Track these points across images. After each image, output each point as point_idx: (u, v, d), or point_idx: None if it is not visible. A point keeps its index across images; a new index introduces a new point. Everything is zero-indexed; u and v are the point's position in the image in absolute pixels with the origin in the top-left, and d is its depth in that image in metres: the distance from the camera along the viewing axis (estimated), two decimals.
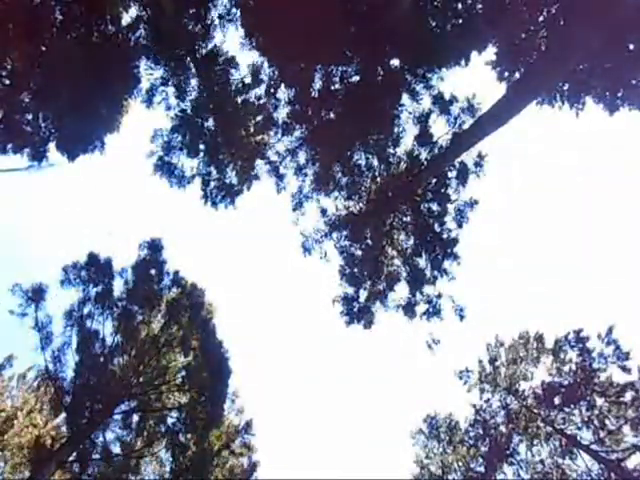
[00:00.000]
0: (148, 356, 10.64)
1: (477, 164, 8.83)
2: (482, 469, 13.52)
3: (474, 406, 14.58)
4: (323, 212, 9.57)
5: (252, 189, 10.38)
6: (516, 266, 35.37)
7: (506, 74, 8.03)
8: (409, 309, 9.39)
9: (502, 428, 13.78)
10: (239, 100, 9.18)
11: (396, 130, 8.71)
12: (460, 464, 14.08)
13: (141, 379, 10.53)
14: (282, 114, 9.06)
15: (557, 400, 12.86)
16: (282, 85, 8.79)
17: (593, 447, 12.01)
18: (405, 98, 8.57)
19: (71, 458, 9.58)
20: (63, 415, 11.22)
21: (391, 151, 8.94)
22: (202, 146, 9.54)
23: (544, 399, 13.08)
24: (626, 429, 11.84)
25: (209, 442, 11.52)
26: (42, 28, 7.94)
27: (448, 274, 9.20)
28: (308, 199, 9.63)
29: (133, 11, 8.87)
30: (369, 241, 9.54)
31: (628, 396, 12.02)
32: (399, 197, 8.97)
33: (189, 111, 9.13)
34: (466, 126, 8.46)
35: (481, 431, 14.02)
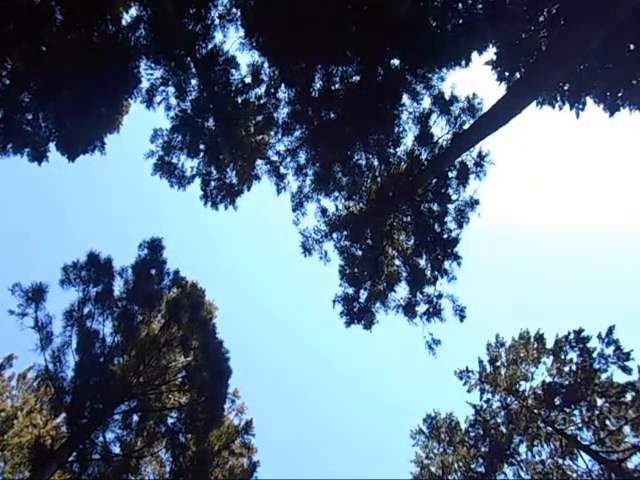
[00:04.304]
0: (148, 356, 10.63)
1: (477, 164, 8.83)
2: (482, 469, 13.50)
3: (474, 406, 14.57)
4: (323, 212, 9.56)
5: (252, 189, 10.40)
6: (517, 266, 35.36)
7: (506, 74, 8.00)
8: (409, 309, 9.38)
9: (502, 428, 13.77)
10: (239, 100, 9.18)
11: (396, 130, 8.70)
12: (460, 464, 14.06)
13: (141, 379, 10.51)
14: (282, 114, 9.05)
15: (557, 400, 12.84)
16: (282, 85, 8.79)
17: (593, 447, 11.99)
18: (405, 98, 8.57)
19: (71, 458, 9.56)
20: (63, 415, 11.21)
21: (391, 151, 8.93)
22: (202, 146, 9.55)
23: (544, 399, 13.06)
24: (627, 429, 11.83)
25: (209, 442, 11.52)
26: (42, 28, 7.94)
27: (448, 274, 9.18)
28: (308, 199, 9.62)
29: (133, 11, 8.89)
30: (369, 241, 9.53)
31: (629, 396, 12.01)
32: (399, 197, 8.96)
33: (189, 111, 9.13)
34: (466, 126, 8.46)
35: (481, 431, 14.00)
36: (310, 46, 7.70)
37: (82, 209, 34.19)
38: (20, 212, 30.46)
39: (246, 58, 8.91)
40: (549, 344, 13.61)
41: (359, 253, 9.63)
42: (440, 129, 8.71)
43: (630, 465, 11.38)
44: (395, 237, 9.54)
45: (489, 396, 14.41)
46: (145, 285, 11.20)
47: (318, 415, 36.38)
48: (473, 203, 9.10)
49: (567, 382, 12.89)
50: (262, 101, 9.13)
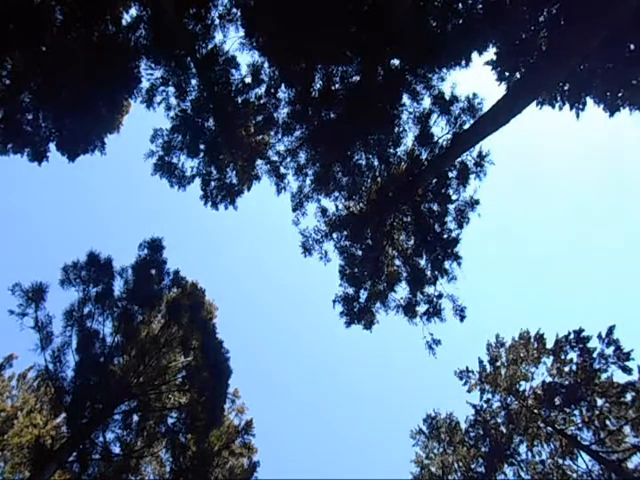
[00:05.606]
0: (148, 356, 10.63)
1: (477, 164, 8.83)
2: (482, 470, 13.50)
3: (474, 406, 14.57)
4: (323, 212, 9.56)
5: (252, 189, 10.41)
6: (517, 266, 35.36)
7: (506, 74, 8.01)
8: (409, 309, 9.38)
9: (502, 428, 13.76)
10: (239, 100, 9.19)
11: (396, 130, 8.70)
12: (460, 464, 14.06)
13: (141, 379, 10.51)
14: (282, 114, 9.06)
15: (558, 400, 12.84)
16: (282, 85, 8.79)
17: (594, 448, 11.99)
18: (405, 98, 8.58)
19: (71, 458, 9.55)
20: (63, 415, 11.21)
21: (391, 151, 8.93)
22: (202, 146, 9.55)
23: (545, 399, 13.06)
24: (627, 429, 11.81)
25: (209, 442, 11.52)
26: (42, 28, 7.94)
27: (449, 274, 9.19)
28: (308, 199, 9.62)
29: (133, 11, 8.89)
30: (369, 241, 9.53)
31: (629, 396, 12.00)
32: (399, 197, 8.96)
33: (189, 111, 9.13)
34: (466, 126, 8.46)
35: (481, 431, 14.00)
36: (310, 46, 7.70)
37: (82, 209, 34.22)
38: (20, 212, 30.47)
39: (246, 58, 8.93)
40: (549, 344, 13.61)
41: (359, 253, 9.64)
42: (440, 129, 8.73)
43: (630, 465, 11.37)
44: (395, 237, 9.54)
45: (489, 396, 14.41)
46: (145, 285, 11.19)
47: (318, 415, 36.38)
48: (473, 203, 9.10)
49: (567, 382, 12.89)
50: (262, 101, 9.14)
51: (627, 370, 12.12)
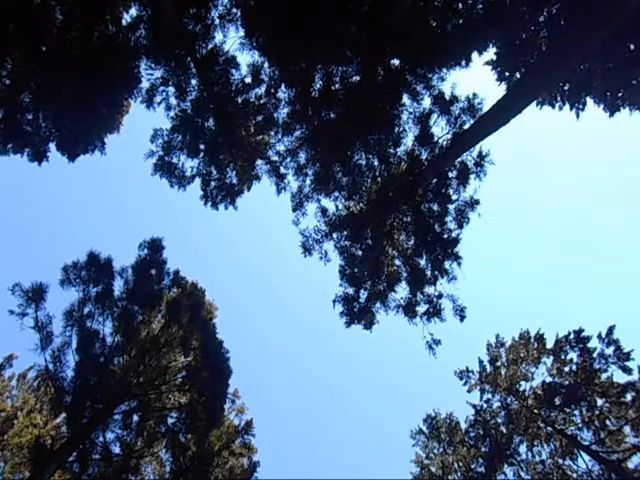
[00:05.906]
0: (148, 356, 10.62)
1: (477, 164, 8.83)
2: (482, 469, 13.50)
3: (474, 406, 14.57)
4: (323, 212, 9.57)
5: (252, 189, 10.41)
6: (517, 266, 35.37)
7: (506, 74, 8.02)
8: (409, 309, 9.38)
9: (502, 429, 13.76)
10: (239, 100, 9.19)
11: (396, 130, 8.70)
12: (460, 464, 14.06)
13: (141, 379, 10.51)
14: (282, 114, 9.07)
15: (558, 400, 12.84)
16: (282, 85, 8.79)
17: (594, 448, 11.99)
18: (405, 98, 8.58)
19: (71, 458, 9.55)
20: (63, 415, 11.20)
21: (391, 151, 8.93)
22: (202, 146, 9.55)
23: (545, 399, 13.06)
24: (627, 429, 11.82)
25: (209, 442, 11.51)
26: (42, 28, 7.94)
27: (449, 274, 9.19)
28: (308, 199, 9.63)
29: (133, 11, 8.89)
30: (369, 241, 9.53)
31: (629, 396, 12.00)
32: (400, 197, 8.96)
33: (189, 111, 9.13)
34: (466, 126, 8.46)
35: (481, 431, 14.00)
36: (310, 46, 7.70)
37: (82, 209, 34.22)
38: (20, 212, 30.49)
39: (246, 58, 8.94)
40: (549, 344, 13.61)
41: (359, 253, 9.64)
42: (440, 129, 8.73)
43: (630, 465, 11.37)
44: (395, 237, 9.54)
45: (489, 396, 14.42)
46: (145, 285, 11.18)
47: (318, 415, 36.39)
48: (473, 203, 9.10)
49: (567, 382, 12.89)
50: (262, 101, 9.14)
51: (627, 370, 12.12)
